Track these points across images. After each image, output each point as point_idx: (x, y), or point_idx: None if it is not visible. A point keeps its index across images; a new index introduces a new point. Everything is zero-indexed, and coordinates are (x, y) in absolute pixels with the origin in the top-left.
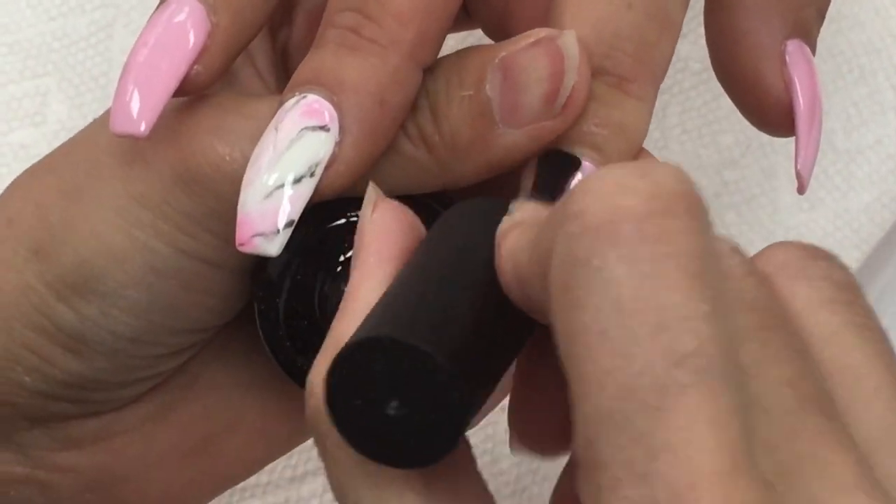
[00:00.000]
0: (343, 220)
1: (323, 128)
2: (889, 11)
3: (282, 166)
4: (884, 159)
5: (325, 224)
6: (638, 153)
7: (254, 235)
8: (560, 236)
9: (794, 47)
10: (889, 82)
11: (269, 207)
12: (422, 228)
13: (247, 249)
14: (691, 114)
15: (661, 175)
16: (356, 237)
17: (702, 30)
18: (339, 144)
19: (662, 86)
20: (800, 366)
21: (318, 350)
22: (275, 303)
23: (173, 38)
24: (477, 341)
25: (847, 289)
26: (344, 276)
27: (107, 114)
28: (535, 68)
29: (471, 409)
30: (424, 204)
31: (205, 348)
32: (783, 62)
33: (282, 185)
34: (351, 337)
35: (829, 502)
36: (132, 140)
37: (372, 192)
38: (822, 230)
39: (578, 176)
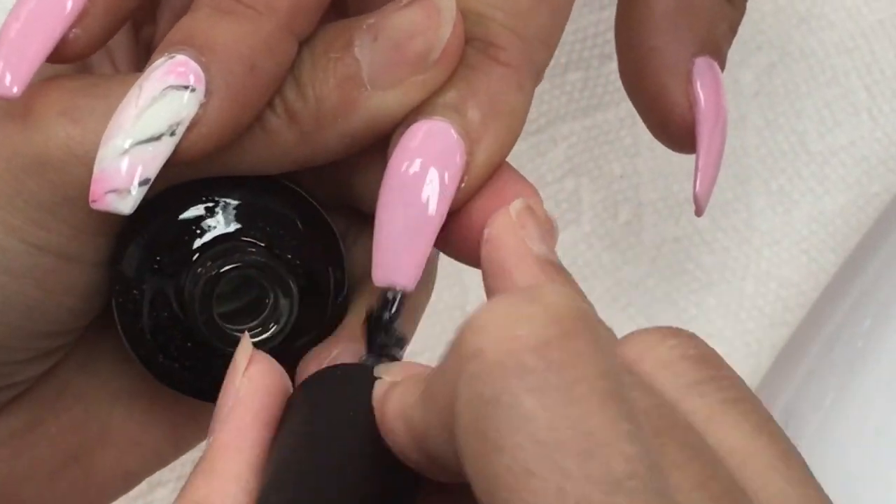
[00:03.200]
0: (197, 210)
1: (188, 88)
2: (860, 11)
3: (142, 123)
4: (858, 161)
5: (179, 214)
6: (510, 135)
7: (107, 192)
8: (462, 380)
9: (702, 64)
10: (862, 82)
11: (126, 164)
12: (289, 387)
13: (99, 206)
14: None
15: (550, 297)
16: (226, 388)
17: None
18: (203, 106)
19: None
20: (702, 464)
21: (179, 343)
22: (132, 295)
23: (49, 5)
24: None
25: (706, 362)
26: (201, 263)
27: None
28: (409, 23)
29: None
30: (285, 187)
31: (71, 357)
32: (689, 80)
33: (140, 142)
34: None
35: None
36: None
37: (246, 344)
38: (797, 234)
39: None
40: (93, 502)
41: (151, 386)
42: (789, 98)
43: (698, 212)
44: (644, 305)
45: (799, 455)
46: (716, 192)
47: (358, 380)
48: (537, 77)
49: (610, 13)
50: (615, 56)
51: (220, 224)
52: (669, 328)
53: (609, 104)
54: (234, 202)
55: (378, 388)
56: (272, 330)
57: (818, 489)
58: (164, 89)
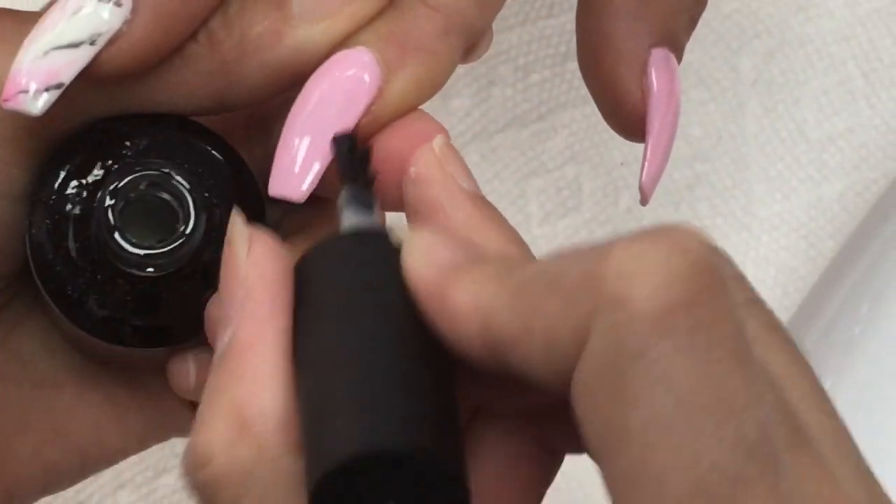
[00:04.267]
0: (117, 145)
1: (116, 3)
2: None
3: (63, 28)
4: (856, 147)
5: (100, 147)
6: (428, 76)
7: (20, 92)
8: (601, 323)
9: (658, 56)
10: (859, 70)
11: (42, 66)
12: (291, 263)
13: (10, 106)
14: None
15: (698, 252)
16: (229, 276)
17: None
18: (128, 23)
19: None
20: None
21: (89, 276)
22: (45, 224)
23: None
24: (441, 407)
25: (747, 287)
26: (110, 183)
27: None
28: None
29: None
30: (207, 130)
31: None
32: (644, 71)
33: (59, 48)
34: (328, 453)
35: None
36: None
37: (241, 226)
38: (796, 220)
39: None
40: (8, 490)
41: (78, 379)
42: (788, 86)
43: (643, 201)
44: None
45: (822, 384)
46: (715, 179)
47: (369, 245)
48: (466, 35)
49: None
50: None
51: (137, 157)
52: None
53: None
54: (154, 138)
55: (425, 268)
56: (177, 243)
57: (844, 424)
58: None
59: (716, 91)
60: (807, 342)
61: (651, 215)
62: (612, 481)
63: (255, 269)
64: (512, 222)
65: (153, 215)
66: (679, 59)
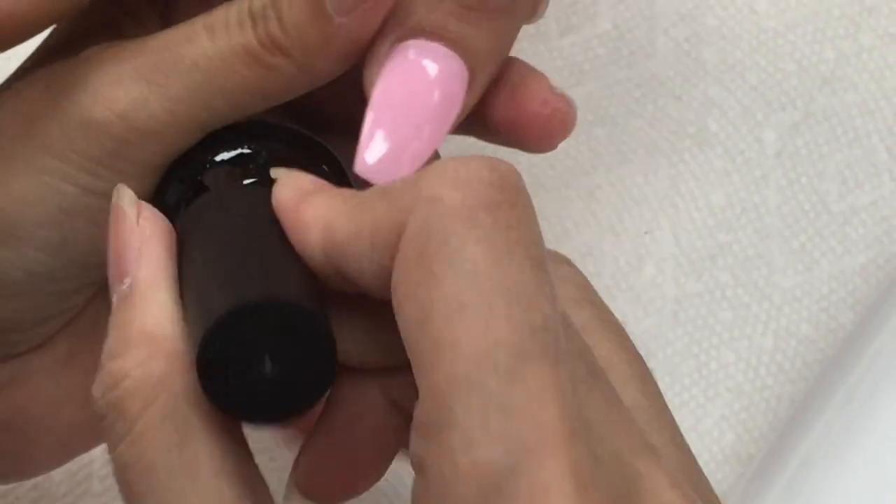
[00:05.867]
0: (233, 153)
1: None
2: (883, 73)
3: None
4: (878, 221)
5: (215, 156)
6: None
7: None
8: (416, 216)
9: (398, 48)
10: (883, 143)
11: None
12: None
13: None
14: (684, 176)
15: (505, 170)
16: (120, 233)
17: (697, 93)
18: None
19: (653, 148)
20: (592, 365)
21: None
22: (172, 224)
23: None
24: (308, 280)
25: (588, 290)
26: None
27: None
28: None
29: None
30: (310, 138)
31: (103, 295)
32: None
33: None
34: (209, 313)
35: (642, 470)
36: (33, 100)
37: (126, 196)
38: (817, 292)
39: None
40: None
41: None
42: (811, 158)
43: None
44: (664, 359)
45: (653, 378)
46: (737, 249)
47: (241, 193)
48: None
49: (637, 70)
50: (640, 112)
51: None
52: (565, 256)
53: (633, 159)
54: (265, 147)
55: (286, 193)
56: None
57: (664, 406)
58: None
59: (739, 161)
60: (826, 414)
61: (672, 284)
62: (417, 357)
63: (148, 223)
64: None
65: None
66: (454, 47)
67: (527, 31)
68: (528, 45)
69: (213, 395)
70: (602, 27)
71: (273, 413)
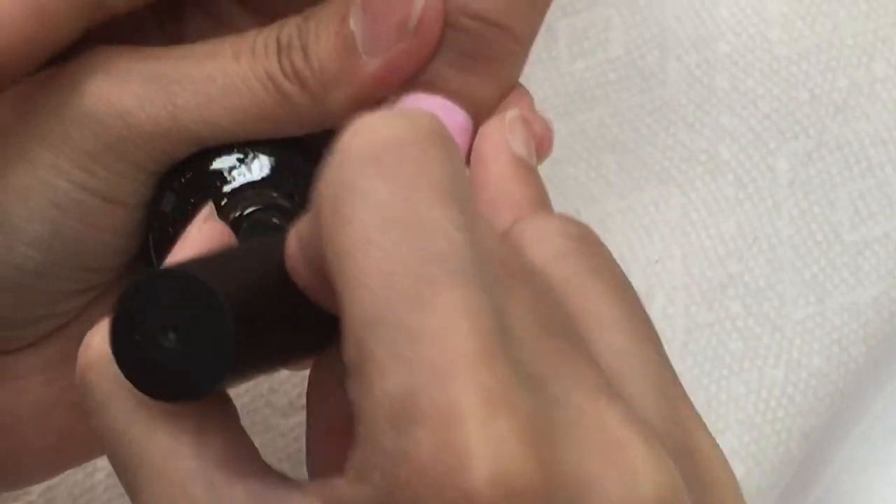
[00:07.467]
0: (230, 160)
1: None
2: None
3: None
4: (891, 252)
5: (213, 162)
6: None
7: None
8: (327, 170)
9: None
10: None
11: None
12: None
13: None
14: (696, 204)
15: (418, 115)
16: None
17: (709, 120)
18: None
19: (664, 175)
20: (537, 298)
21: None
22: (167, 232)
23: None
24: (259, 301)
25: (581, 239)
26: (229, 206)
27: None
28: None
29: (241, 345)
30: (309, 146)
31: (103, 300)
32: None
33: None
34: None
35: (581, 402)
36: (33, 92)
37: (206, 210)
38: (829, 324)
39: None
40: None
41: None
42: (824, 188)
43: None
44: None
45: (648, 318)
46: (748, 279)
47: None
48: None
49: (649, 97)
50: (652, 139)
51: (248, 173)
52: (562, 215)
53: (644, 186)
54: (263, 155)
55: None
56: None
57: (658, 348)
58: None
59: (751, 190)
60: (843, 450)
61: (683, 314)
62: (339, 301)
63: (205, 228)
64: None
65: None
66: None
67: (538, 55)
68: (540, 70)
69: (117, 358)
70: (614, 52)
71: (178, 387)
